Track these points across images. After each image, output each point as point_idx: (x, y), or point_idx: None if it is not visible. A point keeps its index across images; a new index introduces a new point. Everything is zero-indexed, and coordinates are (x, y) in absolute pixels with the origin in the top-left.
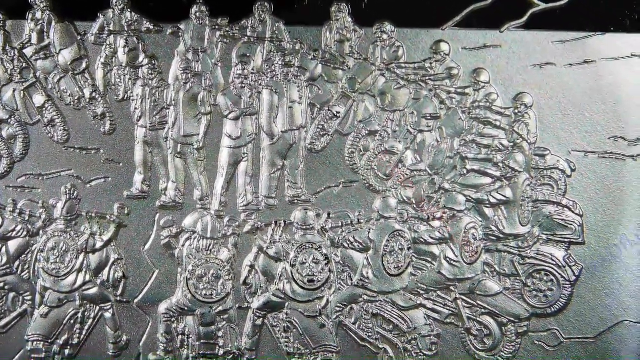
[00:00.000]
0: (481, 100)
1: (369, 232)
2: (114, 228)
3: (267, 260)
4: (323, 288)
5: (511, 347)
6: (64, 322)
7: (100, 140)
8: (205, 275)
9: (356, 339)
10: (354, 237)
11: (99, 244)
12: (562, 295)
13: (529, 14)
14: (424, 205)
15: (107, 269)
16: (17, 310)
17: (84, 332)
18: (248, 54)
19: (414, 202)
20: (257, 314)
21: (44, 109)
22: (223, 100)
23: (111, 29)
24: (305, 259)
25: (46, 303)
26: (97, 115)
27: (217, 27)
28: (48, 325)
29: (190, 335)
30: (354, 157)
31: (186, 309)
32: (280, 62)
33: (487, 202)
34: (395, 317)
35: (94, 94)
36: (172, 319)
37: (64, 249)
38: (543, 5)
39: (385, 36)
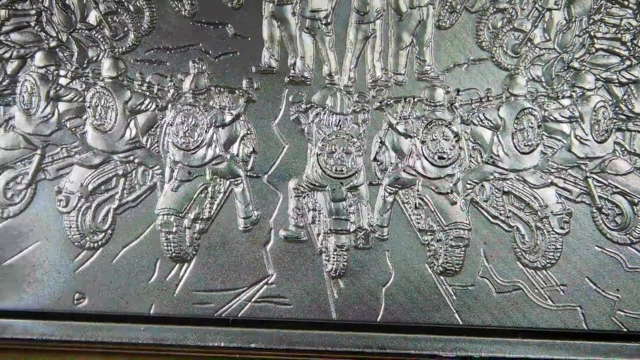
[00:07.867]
0: None
1: (498, 110)
2: (243, 102)
3: (397, 137)
4: (453, 165)
5: None
6: (194, 196)
7: (228, 15)
8: (336, 151)
9: (488, 217)
10: (483, 114)
11: (228, 118)
12: None
13: None
14: (554, 84)
15: (236, 143)
16: (146, 184)
17: (215, 207)
18: None
19: (543, 80)
20: (388, 190)
21: None
22: None
23: None
24: (435, 136)
25: (176, 177)
26: None
27: None
28: (178, 199)
29: (321, 211)
30: (483, 34)
31: (316, 184)
32: None
33: (616, 81)
34: (527, 195)
35: None
36: (303, 195)
37: (193, 123)
38: None
39: None
